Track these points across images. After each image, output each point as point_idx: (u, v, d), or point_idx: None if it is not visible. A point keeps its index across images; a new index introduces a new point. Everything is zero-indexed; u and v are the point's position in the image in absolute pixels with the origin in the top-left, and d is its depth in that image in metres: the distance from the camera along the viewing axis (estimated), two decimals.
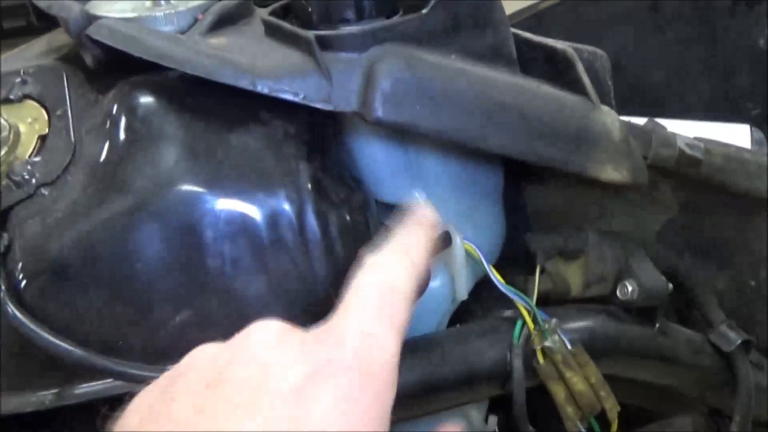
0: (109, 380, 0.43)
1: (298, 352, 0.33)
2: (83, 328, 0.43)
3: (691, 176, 0.52)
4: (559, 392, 0.48)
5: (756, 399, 0.54)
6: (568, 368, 0.47)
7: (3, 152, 0.46)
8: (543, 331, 0.48)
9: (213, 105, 0.45)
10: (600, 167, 0.48)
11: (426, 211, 0.43)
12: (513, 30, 0.51)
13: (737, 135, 0.81)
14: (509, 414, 0.49)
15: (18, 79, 0.49)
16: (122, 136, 0.44)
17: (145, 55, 0.44)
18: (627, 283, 0.51)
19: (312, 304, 0.44)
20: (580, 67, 0.50)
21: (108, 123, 0.45)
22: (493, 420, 0.55)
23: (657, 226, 0.56)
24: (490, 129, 0.46)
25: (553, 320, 0.48)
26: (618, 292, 0.52)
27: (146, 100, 0.45)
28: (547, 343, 0.47)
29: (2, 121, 0.47)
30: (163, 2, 0.51)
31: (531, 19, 1.05)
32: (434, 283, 0.49)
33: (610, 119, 0.49)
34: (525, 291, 0.50)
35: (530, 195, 0.55)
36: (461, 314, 0.52)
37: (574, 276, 0.53)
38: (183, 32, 0.50)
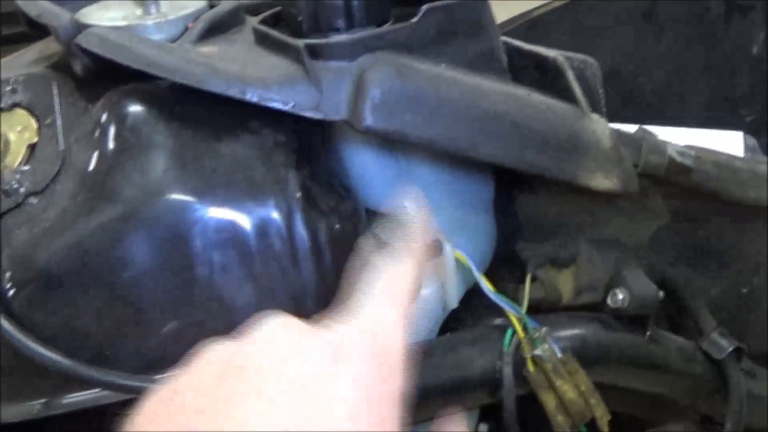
0: (98, 390, 0.43)
1: (310, 339, 0.33)
2: (72, 337, 0.43)
3: (681, 184, 0.52)
4: (549, 400, 0.48)
5: (747, 406, 0.54)
6: (559, 376, 0.47)
7: None
8: (533, 340, 0.48)
9: (202, 113, 0.45)
10: (590, 175, 0.48)
11: (419, 220, 0.43)
12: (503, 38, 0.51)
13: (730, 142, 0.81)
14: (500, 422, 0.49)
15: (8, 88, 0.49)
16: (111, 144, 0.44)
17: (134, 64, 0.44)
18: (618, 291, 0.51)
19: (301, 312, 0.44)
20: (570, 75, 0.50)
21: (97, 132, 0.45)
22: (484, 428, 0.55)
23: (648, 233, 0.56)
24: (481, 138, 0.46)
25: (543, 328, 0.48)
26: (609, 300, 0.52)
27: (136, 108, 0.45)
28: (537, 352, 0.47)
29: None
30: (153, 11, 0.51)
31: (527, 24, 1.06)
32: (425, 292, 0.49)
33: (601, 127, 0.49)
34: (516, 299, 0.50)
35: (521, 203, 0.55)
36: (452, 322, 0.52)
37: (565, 284, 0.53)
38: (173, 41, 0.50)
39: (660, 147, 0.51)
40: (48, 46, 0.55)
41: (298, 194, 0.44)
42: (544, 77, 0.51)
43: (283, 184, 0.44)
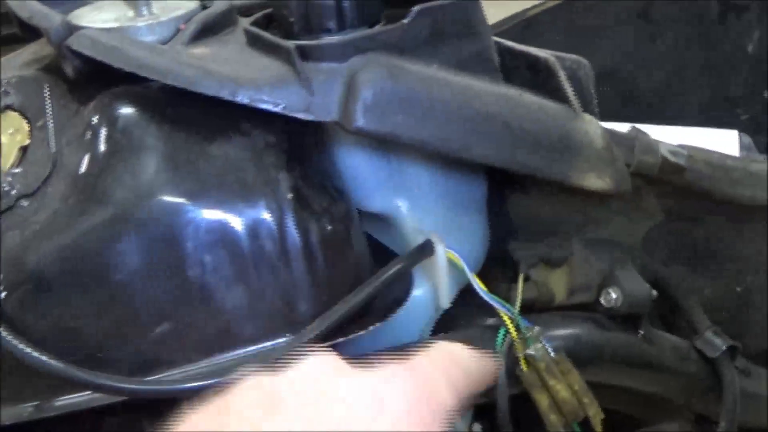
0: (90, 392, 0.43)
1: (354, 383, 0.34)
2: (64, 339, 0.43)
3: (674, 183, 0.52)
4: (542, 400, 0.48)
5: (742, 405, 0.54)
6: (551, 376, 0.47)
7: None
8: (526, 339, 0.48)
9: (194, 115, 0.45)
10: (583, 175, 0.48)
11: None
12: (495, 38, 0.51)
13: (726, 140, 0.81)
14: (493, 422, 0.49)
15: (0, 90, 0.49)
16: (103, 147, 0.44)
17: (126, 66, 0.44)
18: (611, 291, 0.52)
19: (292, 313, 0.44)
20: (562, 76, 0.50)
21: (89, 134, 0.45)
22: (477, 428, 0.55)
23: (641, 233, 0.56)
24: (473, 138, 0.46)
25: (536, 328, 0.48)
26: (602, 300, 0.52)
27: (127, 110, 0.45)
28: (530, 351, 0.47)
29: None
30: (145, 12, 0.51)
31: (521, 24, 1.06)
32: (417, 292, 0.49)
33: (593, 127, 0.49)
34: (508, 299, 0.50)
35: (514, 203, 0.55)
36: (444, 322, 0.52)
37: (558, 284, 0.53)
38: (165, 42, 0.50)
39: (652, 146, 0.51)
40: (43, 47, 0.55)
41: (290, 195, 0.44)
42: (536, 77, 0.51)
43: (274, 185, 0.44)
